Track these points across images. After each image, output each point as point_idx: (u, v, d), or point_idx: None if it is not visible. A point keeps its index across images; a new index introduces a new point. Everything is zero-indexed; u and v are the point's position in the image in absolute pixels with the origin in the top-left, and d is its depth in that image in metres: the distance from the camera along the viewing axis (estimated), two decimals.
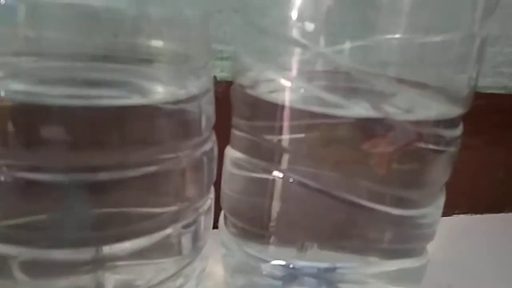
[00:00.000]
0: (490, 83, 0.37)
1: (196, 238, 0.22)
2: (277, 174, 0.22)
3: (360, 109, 0.20)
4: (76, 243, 0.18)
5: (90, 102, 0.17)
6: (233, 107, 0.24)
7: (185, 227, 0.21)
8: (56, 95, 0.16)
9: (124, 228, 0.19)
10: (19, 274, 0.18)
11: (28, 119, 0.16)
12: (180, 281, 0.22)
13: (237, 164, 0.24)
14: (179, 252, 0.21)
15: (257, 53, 0.23)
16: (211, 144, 0.22)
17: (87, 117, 0.17)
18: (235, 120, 0.24)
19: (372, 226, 0.22)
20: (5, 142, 0.16)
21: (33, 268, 0.18)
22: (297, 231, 0.23)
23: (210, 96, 0.21)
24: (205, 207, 0.22)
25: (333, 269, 0.23)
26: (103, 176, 0.18)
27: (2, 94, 0.16)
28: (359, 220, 0.22)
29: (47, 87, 0.17)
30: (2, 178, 0.17)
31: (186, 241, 0.22)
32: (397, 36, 0.20)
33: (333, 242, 0.23)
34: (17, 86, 0.16)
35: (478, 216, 0.40)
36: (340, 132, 0.21)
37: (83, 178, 0.17)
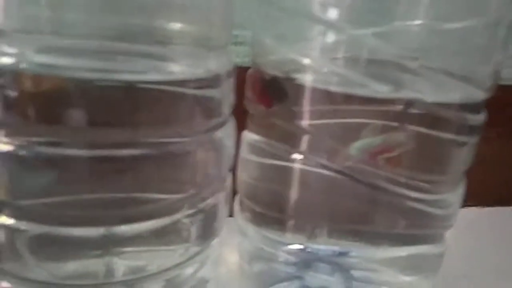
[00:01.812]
0: (505, 74, 0.37)
1: (212, 224, 0.22)
2: (297, 156, 0.22)
3: (383, 89, 0.20)
4: (86, 221, 0.18)
5: (110, 76, 0.16)
6: (250, 91, 0.24)
7: (201, 212, 0.21)
8: (77, 67, 0.16)
9: (137, 209, 0.19)
10: (28, 257, 0.18)
11: (47, 93, 0.16)
12: (193, 268, 0.22)
13: (255, 148, 0.24)
14: (194, 238, 0.21)
15: (279, 36, 0.22)
16: (230, 127, 0.21)
17: (106, 93, 0.17)
18: (253, 104, 0.24)
19: (392, 210, 0.22)
20: (25, 117, 0.16)
21: (43, 251, 0.18)
22: (316, 215, 0.23)
23: (231, 78, 0.21)
24: (222, 192, 0.22)
25: (347, 255, 0.23)
26: (122, 152, 0.17)
27: (24, 65, 0.16)
28: (379, 204, 0.22)
29: (68, 60, 0.16)
30: (21, 153, 0.16)
31: (202, 226, 0.21)
32: (419, 22, 0.20)
33: (352, 226, 0.23)
34: (38, 58, 0.16)
35: (488, 208, 0.40)
36: (363, 114, 0.21)
37: (101, 154, 0.17)
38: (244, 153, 0.25)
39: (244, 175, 0.25)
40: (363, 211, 0.22)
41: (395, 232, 0.23)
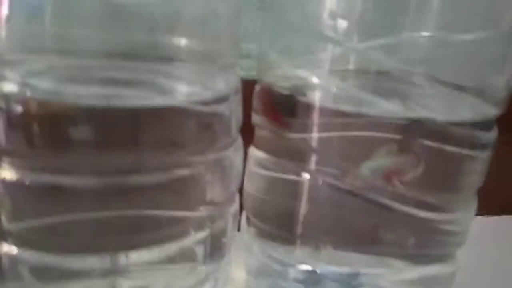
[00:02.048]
0: None
1: (221, 244, 0.21)
2: (305, 174, 0.21)
3: (392, 108, 0.20)
4: (91, 250, 0.17)
5: (115, 102, 0.16)
6: (258, 106, 0.23)
7: (210, 233, 0.20)
8: (82, 94, 0.16)
9: (144, 235, 0.18)
10: (29, 277, 0.17)
11: (52, 119, 0.16)
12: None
13: (262, 164, 0.23)
14: (203, 259, 0.21)
15: (286, 50, 0.22)
16: (239, 145, 0.21)
17: (112, 118, 0.16)
18: (260, 120, 0.23)
19: (401, 230, 0.22)
20: (29, 144, 0.16)
21: (44, 272, 0.18)
22: (325, 233, 0.22)
23: (239, 95, 0.20)
24: (232, 212, 0.22)
25: (357, 275, 0.23)
26: (129, 179, 0.17)
27: (28, 94, 0.15)
28: (388, 223, 0.21)
29: (73, 86, 0.16)
30: (26, 180, 0.16)
31: (211, 247, 0.21)
32: (428, 34, 0.20)
33: (360, 246, 0.22)
34: (43, 84, 0.16)
35: (494, 217, 0.40)
36: (370, 132, 0.20)
37: (107, 180, 0.16)
38: (251, 168, 0.24)
39: (250, 191, 0.24)
40: (372, 230, 0.22)
41: (405, 251, 0.22)
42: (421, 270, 0.23)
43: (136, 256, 0.18)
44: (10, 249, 0.17)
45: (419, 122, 0.20)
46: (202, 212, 0.20)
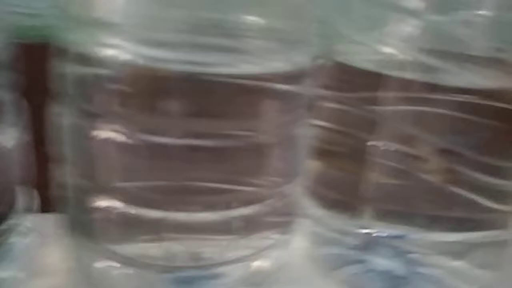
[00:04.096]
0: None
1: (289, 215, 0.22)
2: (373, 143, 0.22)
3: (471, 77, 0.20)
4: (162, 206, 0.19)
5: (204, 69, 0.17)
6: (323, 79, 0.24)
7: (274, 204, 0.21)
8: (173, 60, 0.17)
9: (216, 198, 0.19)
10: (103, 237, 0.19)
11: (145, 85, 0.17)
12: (272, 256, 0.22)
13: (326, 135, 0.24)
14: (273, 228, 0.22)
15: (355, 23, 0.22)
16: (307, 122, 0.22)
17: (199, 86, 0.17)
18: (325, 93, 0.24)
19: (464, 194, 0.22)
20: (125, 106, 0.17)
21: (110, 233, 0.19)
22: (381, 199, 0.23)
23: (311, 71, 0.21)
24: (299, 184, 0.22)
25: (402, 237, 0.23)
26: (210, 143, 0.18)
27: (126, 57, 0.16)
28: (453, 188, 0.22)
29: (165, 52, 0.17)
30: (123, 140, 0.17)
31: (281, 216, 0.22)
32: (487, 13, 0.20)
33: (414, 210, 0.23)
34: (139, 50, 0.17)
35: None
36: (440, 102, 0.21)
37: (191, 143, 0.18)
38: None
39: (314, 160, 0.25)
40: (431, 196, 0.22)
41: (461, 216, 0.22)
42: (475, 236, 0.23)
43: (192, 217, 0.19)
44: (103, 203, 0.19)
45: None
46: (270, 183, 0.21)
